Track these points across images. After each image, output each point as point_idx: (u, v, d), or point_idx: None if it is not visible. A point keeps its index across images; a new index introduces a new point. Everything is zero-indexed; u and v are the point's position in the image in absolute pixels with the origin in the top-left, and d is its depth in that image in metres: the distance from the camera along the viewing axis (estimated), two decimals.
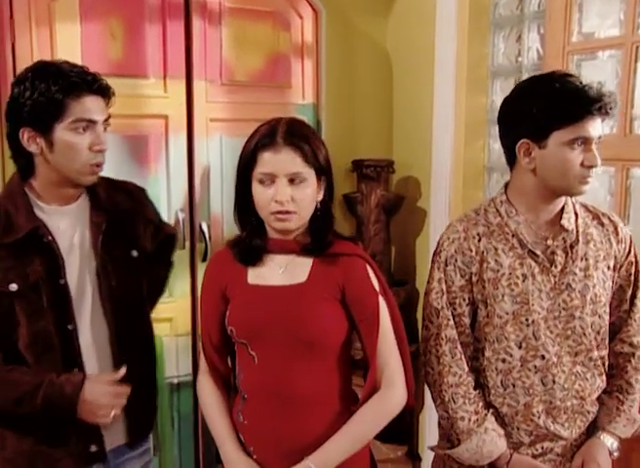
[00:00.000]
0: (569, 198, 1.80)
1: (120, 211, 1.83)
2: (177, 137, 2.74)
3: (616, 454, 1.81)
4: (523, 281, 1.75)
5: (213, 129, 2.76)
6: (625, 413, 1.80)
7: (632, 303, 1.84)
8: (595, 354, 1.78)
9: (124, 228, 1.84)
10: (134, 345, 1.84)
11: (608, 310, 1.81)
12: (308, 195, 1.62)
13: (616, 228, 1.83)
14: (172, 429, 2.79)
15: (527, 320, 1.74)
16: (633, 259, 1.84)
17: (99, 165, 1.73)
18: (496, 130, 2.94)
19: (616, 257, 1.81)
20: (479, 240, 1.79)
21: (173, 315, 2.73)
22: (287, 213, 1.60)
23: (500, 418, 1.79)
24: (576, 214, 1.80)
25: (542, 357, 1.74)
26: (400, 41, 3.29)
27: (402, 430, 3.08)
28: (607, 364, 1.82)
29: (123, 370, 1.72)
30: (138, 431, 1.88)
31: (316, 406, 1.63)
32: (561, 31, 2.60)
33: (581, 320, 1.75)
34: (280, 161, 1.59)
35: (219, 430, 1.69)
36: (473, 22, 2.86)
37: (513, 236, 1.77)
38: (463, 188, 2.89)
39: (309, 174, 1.61)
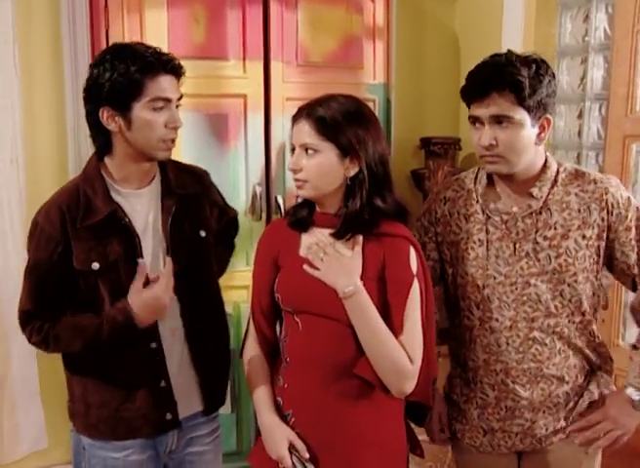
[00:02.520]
0: (552, 166, 1.76)
1: (189, 194, 1.87)
2: (255, 116, 2.87)
3: None
4: (480, 246, 1.77)
5: (289, 107, 2.84)
6: None
7: None
8: (554, 321, 1.75)
9: (192, 210, 1.88)
10: (204, 320, 1.88)
11: (585, 278, 1.74)
12: (316, 165, 1.62)
13: (601, 195, 1.72)
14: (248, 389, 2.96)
15: (482, 284, 1.77)
16: (632, 224, 1.75)
17: (173, 141, 1.77)
18: (561, 108, 2.98)
19: (599, 226, 1.73)
20: (445, 203, 1.85)
21: (250, 283, 2.76)
22: (297, 180, 1.65)
23: (467, 373, 1.85)
24: (555, 182, 1.75)
25: (497, 319, 1.77)
26: (468, 22, 3.33)
27: None
28: (591, 329, 1.79)
29: (164, 264, 1.77)
30: (212, 400, 1.93)
31: (356, 375, 1.63)
32: (631, 10, 2.58)
33: (536, 287, 1.74)
34: (297, 131, 1.64)
35: (259, 395, 1.71)
36: (541, 3, 2.88)
37: (477, 202, 1.80)
38: None
39: (324, 146, 1.61)
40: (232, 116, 2.85)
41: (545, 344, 1.76)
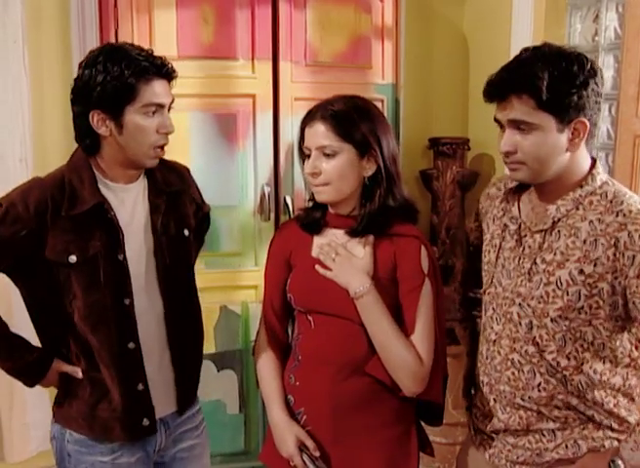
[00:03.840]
0: (590, 185, 1.54)
1: (174, 192, 1.85)
2: (263, 116, 2.88)
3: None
4: (493, 251, 1.69)
5: (297, 107, 2.85)
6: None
7: None
8: (533, 350, 1.58)
9: (177, 208, 1.85)
10: (185, 320, 1.86)
11: (584, 321, 1.53)
12: (336, 167, 1.61)
13: (614, 230, 1.48)
14: (256, 389, 2.93)
15: (486, 290, 1.70)
16: None
17: (162, 147, 1.74)
18: None
19: (603, 265, 1.49)
20: (486, 200, 1.79)
21: (258, 283, 2.81)
22: (317, 185, 1.64)
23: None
24: (579, 204, 1.54)
25: (487, 330, 1.69)
26: (477, 23, 3.31)
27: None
28: (578, 381, 1.57)
29: None
30: (185, 399, 1.90)
31: (367, 374, 1.64)
32: None
33: (521, 308, 1.59)
34: (312, 134, 1.63)
35: (269, 393, 1.73)
36: (550, 3, 2.86)
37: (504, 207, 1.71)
38: None
39: (342, 147, 1.61)
40: (241, 116, 2.86)
41: (522, 372, 1.60)
